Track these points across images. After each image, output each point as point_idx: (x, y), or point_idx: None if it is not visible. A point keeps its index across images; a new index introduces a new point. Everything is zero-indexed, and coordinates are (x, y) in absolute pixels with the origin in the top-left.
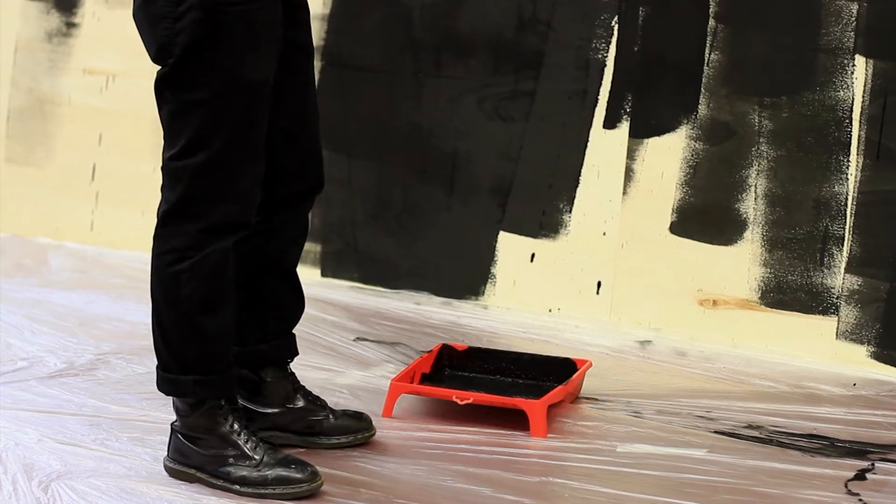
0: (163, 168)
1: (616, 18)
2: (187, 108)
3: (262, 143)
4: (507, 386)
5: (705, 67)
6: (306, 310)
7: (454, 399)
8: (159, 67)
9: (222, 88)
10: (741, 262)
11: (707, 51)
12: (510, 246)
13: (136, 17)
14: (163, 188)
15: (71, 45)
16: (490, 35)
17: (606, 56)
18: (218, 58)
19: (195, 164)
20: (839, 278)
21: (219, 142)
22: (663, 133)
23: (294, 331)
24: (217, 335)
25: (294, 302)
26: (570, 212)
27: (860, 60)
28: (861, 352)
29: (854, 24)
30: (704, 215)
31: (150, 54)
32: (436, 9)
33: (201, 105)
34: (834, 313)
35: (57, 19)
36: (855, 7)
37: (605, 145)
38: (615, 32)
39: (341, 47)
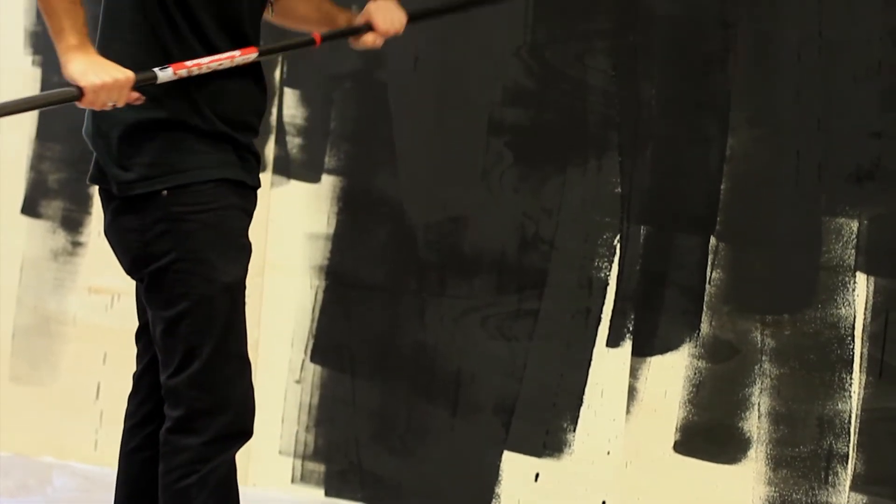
0: (162, 390)
1: (618, 237)
2: (174, 322)
3: (246, 348)
4: None
5: (707, 286)
6: None
7: None
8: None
9: (200, 297)
10: (745, 481)
11: (708, 269)
12: (514, 465)
13: (107, 233)
14: (165, 409)
15: (76, 264)
16: (493, 254)
17: (609, 275)
18: (191, 266)
19: (189, 376)
20: (844, 497)
21: (207, 350)
22: (666, 352)
23: None
24: None
25: None
26: (574, 431)
27: (861, 278)
28: None
29: (855, 242)
30: (708, 434)
31: (123, 267)
32: (440, 228)
33: (185, 317)
34: None
35: (63, 238)
36: (855, 225)
37: (609, 364)
38: (617, 251)
39: (345, 266)
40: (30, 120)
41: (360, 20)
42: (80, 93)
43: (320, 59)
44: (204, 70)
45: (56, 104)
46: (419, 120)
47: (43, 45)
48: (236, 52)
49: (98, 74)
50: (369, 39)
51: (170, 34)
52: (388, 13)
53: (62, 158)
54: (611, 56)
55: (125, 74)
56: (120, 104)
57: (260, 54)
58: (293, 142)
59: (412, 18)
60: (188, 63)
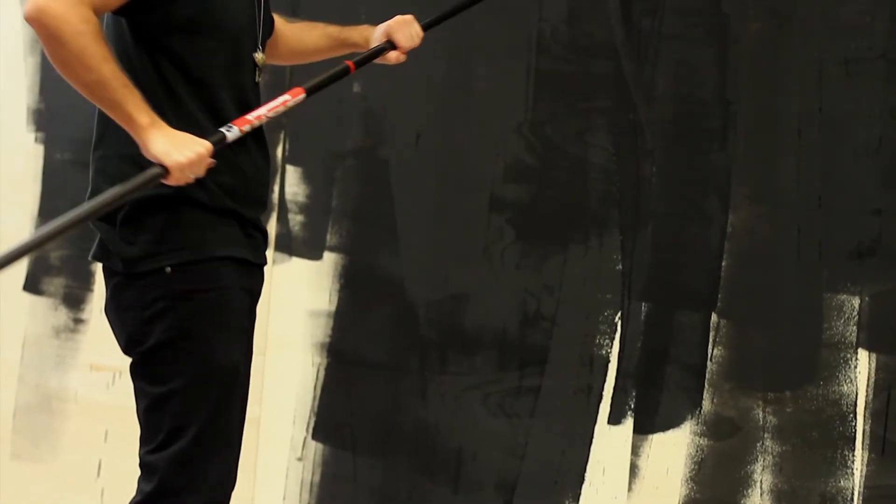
0: (140, 463)
1: (619, 315)
2: (163, 399)
3: (235, 432)
4: None
5: (708, 363)
6: None
7: None
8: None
9: (195, 377)
10: None
11: (710, 346)
12: None
13: (107, 309)
14: (139, 481)
15: (78, 342)
16: (495, 332)
17: (610, 352)
18: (189, 345)
19: (170, 454)
20: None
21: (193, 431)
22: (668, 429)
23: None
24: None
25: None
26: None
27: (863, 354)
28: None
29: (856, 319)
30: None
31: (120, 344)
32: (441, 306)
33: (175, 395)
34: None
35: (64, 315)
36: (857, 301)
37: (610, 441)
38: (618, 328)
39: (347, 344)
40: (31, 198)
41: (379, 37)
42: (165, 171)
43: (322, 137)
44: (264, 121)
45: (146, 185)
46: (421, 197)
47: (45, 123)
48: (287, 97)
49: (181, 152)
50: (393, 57)
51: (169, 105)
52: (407, 28)
53: (64, 235)
54: (611, 133)
55: (204, 146)
56: (201, 175)
57: (308, 93)
58: (295, 219)
59: (426, 27)
60: (249, 117)
